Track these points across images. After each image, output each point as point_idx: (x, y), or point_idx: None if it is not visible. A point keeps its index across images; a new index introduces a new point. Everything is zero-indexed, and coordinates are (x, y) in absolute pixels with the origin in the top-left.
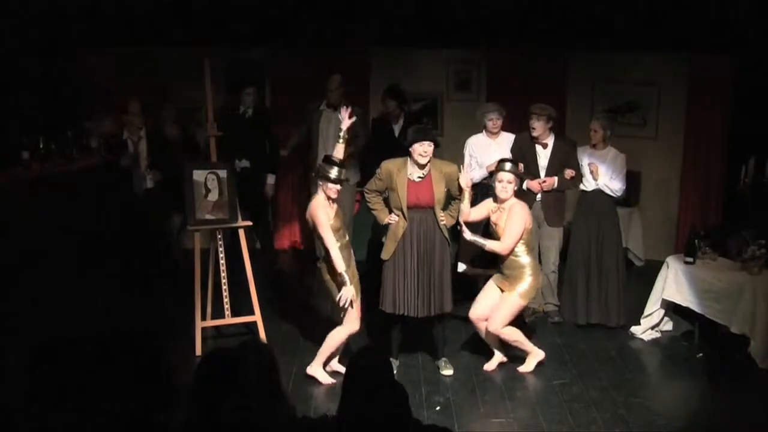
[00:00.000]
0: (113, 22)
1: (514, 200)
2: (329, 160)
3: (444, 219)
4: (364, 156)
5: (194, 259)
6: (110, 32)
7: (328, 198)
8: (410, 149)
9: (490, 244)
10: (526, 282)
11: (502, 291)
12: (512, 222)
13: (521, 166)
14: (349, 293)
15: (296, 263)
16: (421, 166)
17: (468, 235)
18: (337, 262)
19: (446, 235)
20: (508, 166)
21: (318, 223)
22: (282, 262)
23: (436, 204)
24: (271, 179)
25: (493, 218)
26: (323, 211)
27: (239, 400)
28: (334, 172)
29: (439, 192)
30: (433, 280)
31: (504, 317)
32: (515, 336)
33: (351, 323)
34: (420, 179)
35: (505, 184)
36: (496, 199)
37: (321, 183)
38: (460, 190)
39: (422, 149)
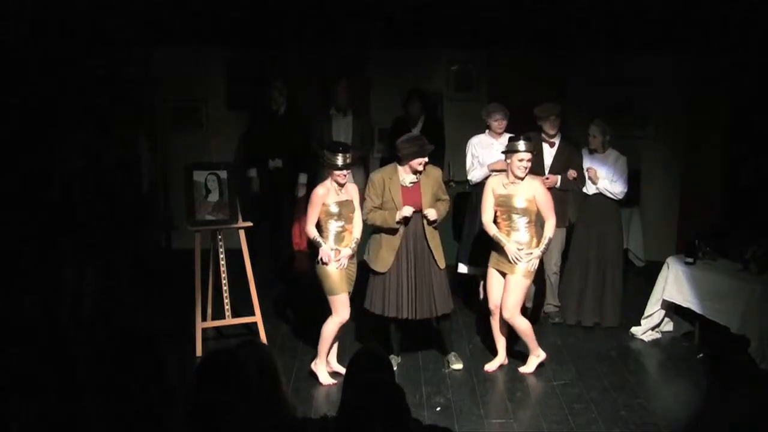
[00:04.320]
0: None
1: (528, 176)
2: (333, 148)
3: (432, 214)
4: (383, 154)
5: (194, 259)
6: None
7: (339, 184)
8: (406, 160)
9: (548, 232)
10: (525, 257)
11: (503, 275)
12: (545, 198)
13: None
14: (326, 250)
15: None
16: (417, 172)
17: (543, 247)
18: (310, 231)
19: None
20: (523, 145)
21: (310, 201)
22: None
23: (425, 208)
24: (302, 179)
25: (505, 191)
26: (323, 190)
27: (239, 401)
28: (339, 159)
29: (427, 197)
30: (428, 281)
31: (515, 300)
32: (527, 329)
33: (339, 313)
34: (412, 184)
35: (525, 162)
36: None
37: (328, 171)
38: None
39: (420, 161)
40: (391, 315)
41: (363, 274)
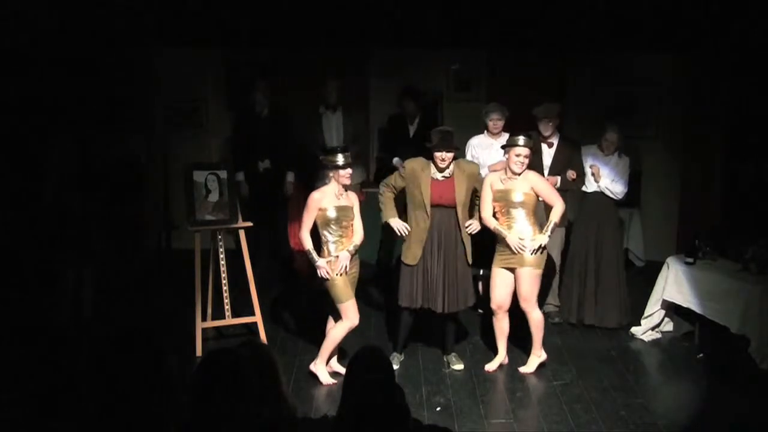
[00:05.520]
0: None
1: (526, 170)
2: (330, 150)
3: (471, 224)
4: (378, 154)
5: (195, 259)
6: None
7: (343, 186)
8: (433, 153)
9: (555, 217)
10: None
11: (511, 271)
12: (545, 184)
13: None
14: (322, 266)
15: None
16: (441, 169)
17: (545, 237)
18: (305, 241)
19: (467, 238)
20: (522, 140)
21: (306, 206)
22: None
23: (458, 205)
24: (290, 177)
25: (502, 187)
26: (319, 195)
27: (239, 401)
28: (340, 159)
29: (461, 193)
30: (455, 275)
31: (530, 290)
32: (540, 322)
33: (349, 318)
34: (444, 179)
35: (522, 158)
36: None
37: (332, 173)
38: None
39: (442, 156)
40: (417, 306)
41: (366, 274)
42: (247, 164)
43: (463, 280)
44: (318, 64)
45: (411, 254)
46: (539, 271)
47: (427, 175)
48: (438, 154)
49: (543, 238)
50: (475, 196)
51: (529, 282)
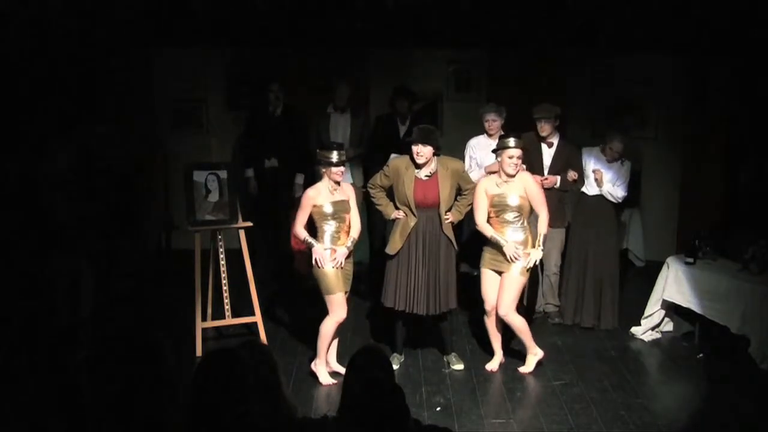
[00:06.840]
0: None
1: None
2: (326, 146)
3: (450, 216)
4: (368, 154)
5: (195, 259)
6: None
7: (335, 182)
8: (411, 147)
9: (543, 229)
10: (522, 257)
11: (499, 274)
12: (537, 190)
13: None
14: (319, 251)
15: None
16: (418, 166)
17: (538, 250)
18: (298, 232)
19: (451, 233)
20: (512, 142)
21: (300, 203)
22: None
23: (442, 204)
24: (299, 179)
25: (499, 191)
26: (314, 192)
27: (239, 401)
28: (334, 156)
29: (445, 191)
30: (437, 277)
31: (511, 297)
32: (522, 326)
33: (336, 312)
34: (427, 177)
35: (516, 159)
36: (491, 178)
37: (324, 169)
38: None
39: (416, 149)
40: (400, 308)
41: (363, 274)
42: (256, 162)
43: (446, 283)
44: (318, 65)
45: (393, 245)
46: (524, 279)
47: (411, 173)
48: (414, 148)
49: (537, 254)
50: (459, 194)
51: (511, 288)
